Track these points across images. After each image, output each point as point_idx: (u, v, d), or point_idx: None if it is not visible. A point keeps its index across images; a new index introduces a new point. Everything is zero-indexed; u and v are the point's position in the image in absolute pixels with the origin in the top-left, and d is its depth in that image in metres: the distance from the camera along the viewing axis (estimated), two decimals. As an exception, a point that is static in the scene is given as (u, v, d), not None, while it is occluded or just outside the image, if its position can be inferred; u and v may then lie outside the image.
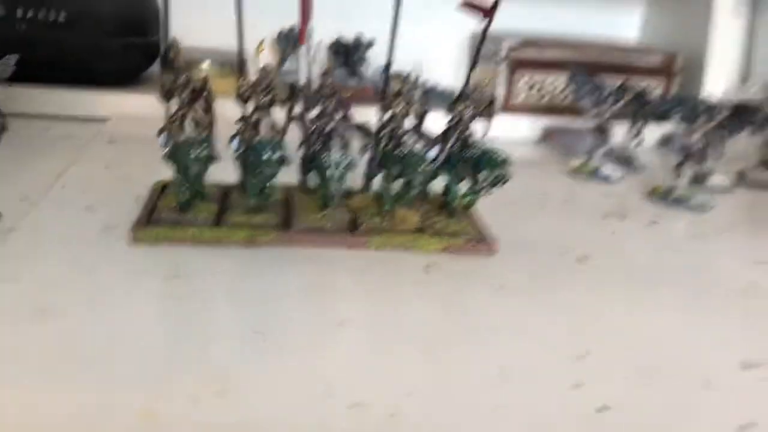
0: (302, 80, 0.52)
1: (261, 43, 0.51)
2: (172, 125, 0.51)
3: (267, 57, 0.51)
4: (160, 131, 0.50)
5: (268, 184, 0.52)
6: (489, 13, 0.52)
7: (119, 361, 0.36)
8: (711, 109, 0.70)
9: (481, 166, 0.52)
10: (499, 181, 0.52)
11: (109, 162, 0.69)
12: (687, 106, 0.72)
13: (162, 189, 0.57)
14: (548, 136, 0.97)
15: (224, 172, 0.54)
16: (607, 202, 0.72)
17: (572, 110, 0.99)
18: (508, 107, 1.00)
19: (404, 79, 0.53)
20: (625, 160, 0.88)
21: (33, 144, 0.74)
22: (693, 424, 0.35)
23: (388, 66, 0.53)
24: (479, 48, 0.52)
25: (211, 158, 0.52)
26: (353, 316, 0.43)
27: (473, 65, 0.53)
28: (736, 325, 0.47)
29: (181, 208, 0.52)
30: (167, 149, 0.51)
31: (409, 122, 0.54)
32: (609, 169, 0.81)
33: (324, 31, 0.53)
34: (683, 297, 0.50)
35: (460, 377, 0.37)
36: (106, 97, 0.88)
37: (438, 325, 0.43)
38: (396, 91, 0.54)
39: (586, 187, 0.77)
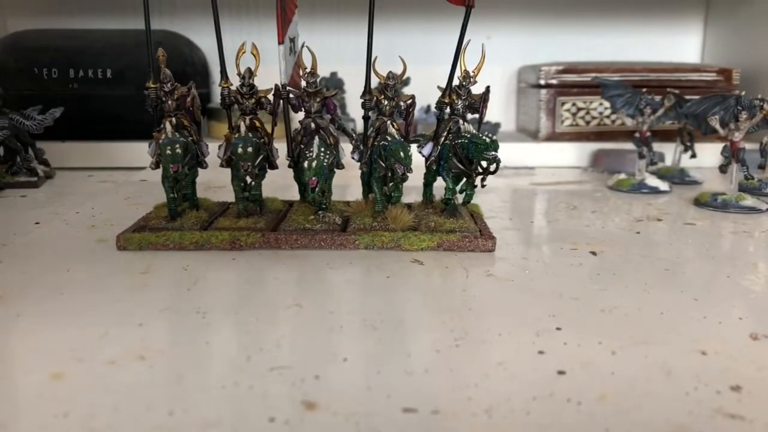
0: (282, 80, 0.51)
1: (242, 45, 0.51)
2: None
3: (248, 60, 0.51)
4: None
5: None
6: (472, 1, 0.50)
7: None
8: (752, 106, 0.64)
9: (470, 153, 0.49)
10: (491, 163, 0.48)
11: (131, 195, 0.71)
12: (725, 104, 0.66)
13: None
14: (594, 159, 0.93)
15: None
16: (646, 209, 0.66)
17: (622, 133, 0.95)
18: (554, 135, 0.96)
19: (387, 74, 0.52)
20: (678, 173, 0.82)
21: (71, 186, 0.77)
22: None
23: (369, 63, 0.52)
24: (462, 35, 0.50)
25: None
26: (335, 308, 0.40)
27: (457, 54, 0.50)
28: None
29: (172, 217, 0.52)
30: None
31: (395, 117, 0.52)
32: (655, 181, 0.76)
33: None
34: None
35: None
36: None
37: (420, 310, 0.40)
38: (380, 86, 0.52)
39: (626, 198, 0.72)
